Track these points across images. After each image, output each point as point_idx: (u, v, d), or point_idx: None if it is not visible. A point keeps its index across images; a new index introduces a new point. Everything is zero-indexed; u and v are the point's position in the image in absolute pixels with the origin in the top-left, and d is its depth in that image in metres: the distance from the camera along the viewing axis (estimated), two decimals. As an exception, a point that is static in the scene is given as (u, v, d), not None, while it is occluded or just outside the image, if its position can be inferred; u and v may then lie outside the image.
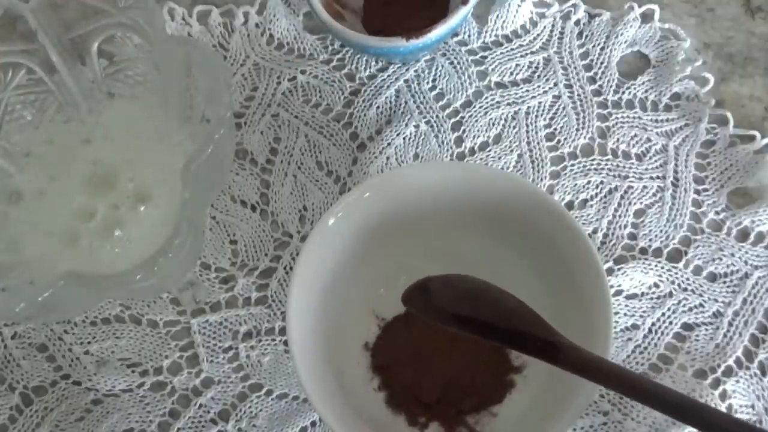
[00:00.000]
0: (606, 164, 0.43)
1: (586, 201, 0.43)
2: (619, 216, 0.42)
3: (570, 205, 0.42)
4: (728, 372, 0.39)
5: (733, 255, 0.41)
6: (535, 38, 0.46)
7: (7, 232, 0.32)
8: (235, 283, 0.42)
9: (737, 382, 0.39)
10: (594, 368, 0.28)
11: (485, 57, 0.46)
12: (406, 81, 0.45)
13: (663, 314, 0.40)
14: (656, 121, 0.43)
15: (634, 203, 0.42)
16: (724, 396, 0.38)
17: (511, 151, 0.44)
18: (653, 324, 0.40)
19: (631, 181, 0.42)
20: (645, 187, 0.42)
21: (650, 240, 0.41)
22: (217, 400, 0.40)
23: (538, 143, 0.43)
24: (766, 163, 0.41)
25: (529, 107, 0.44)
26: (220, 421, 0.40)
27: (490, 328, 0.30)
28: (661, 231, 0.42)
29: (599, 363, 0.28)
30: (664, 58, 0.45)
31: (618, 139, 0.43)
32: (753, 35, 0.45)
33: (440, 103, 0.45)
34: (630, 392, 0.28)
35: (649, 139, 0.43)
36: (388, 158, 0.43)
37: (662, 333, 0.40)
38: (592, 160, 0.43)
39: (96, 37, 0.34)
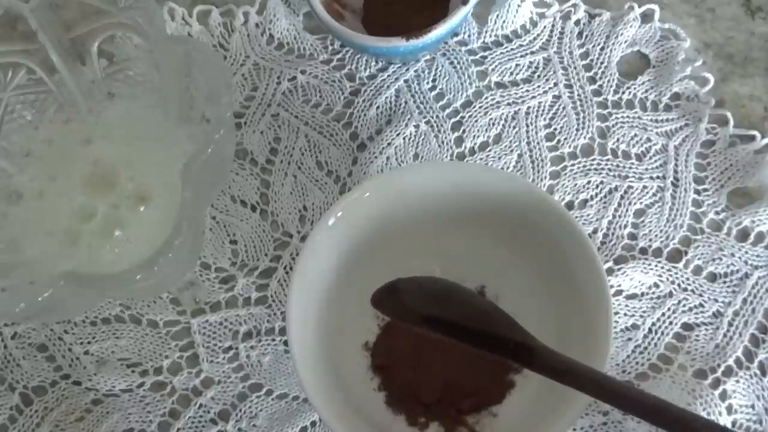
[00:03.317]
0: (606, 164, 0.43)
1: (586, 201, 0.43)
2: (619, 216, 0.42)
3: (570, 205, 0.42)
4: (728, 372, 0.39)
5: (733, 255, 0.41)
6: (535, 38, 0.46)
7: (7, 232, 0.32)
8: (235, 283, 0.42)
9: (737, 382, 0.39)
10: (569, 372, 0.27)
11: (485, 57, 0.46)
12: (406, 81, 0.45)
13: (663, 314, 0.40)
14: (656, 121, 0.43)
15: (634, 203, 0.42)
16: (724, 396, 0.38)
17: (511, 151, 0.44)
18: (653, 324, 0.40)
19: (631, 181, 0.42)
20: (645, 187, 0.42)
21: (650, 240, 0.41)
22: (217, 400, 0.40)
23: (538, 143, 0.43)
24: (766, 163, 0.41)
25: (529, 107, 0.44)
26: (220, 421, 0.40)
27: (462, 330, 0.29)
28: (661, 231, 0.42)
29: (575, 367, 0.27)
30: (664, 58, 0.45)
31: (618, 139, 0.43)
32: (753, 35, 0.45)
33: (440, 103, 0.45)
34: (607, 397, 0.27)
35: (649, 139, 0.43)
36: (388, 158, 0.43)
37: (662, 333, 0.40)
38: (592, 160, 0.43)
39: (96, 37, 0.34)
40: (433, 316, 0.29)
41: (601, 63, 0.45)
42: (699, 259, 0.41)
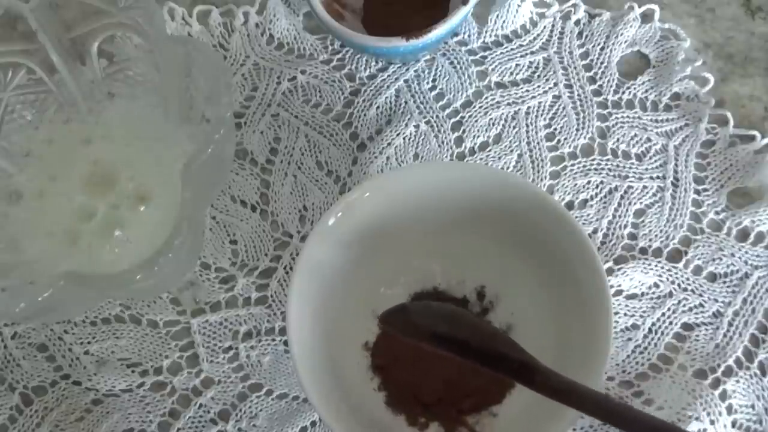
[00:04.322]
0: (606, 164, 0.43)
1: (586, 201, 0.43)
2: (619, 216, 0.42)
3: (570, 205, 0.42)
4: (728, 372, 0.39)
5: (733, 255, 0.41)
6: (535, 38, 0.46)
7: (7, 232, 0.32)
8: (235, 283, 0.42)
9: (737, 382, 0.39)
10: (571, 393, 0.28)
11: (485, 57, 0.46)
12: (406, 81, 0.45)
13: (663, 314, 0.40)
14: (656, 121, 0.43)
15: (634, 203, 0.42)
16: (724, 396, 0.38)
17: (511, 151, 0.44)
18: (653, 324, 0.40)
19: (631, 181, 0.42)
20: (645, 187, 0.42)
21: (650, 240, 0.41)
22: (217, 400, 0.40)
23: (538, 143, 0.43)
24: (766, 163, 0.41)
25: (529, 107, 0.44)
26: (220, 421, 0.40)
27: (468, 348, 0.30)
28: (661, 231, 0.42)
29: (575, 388, 0.28)
30: (664, 58, 0.45)
31: (618, 139, 0.43)
32: (753, 35, 0.45)
33: (440, 103, 0.45)
34: (607, 418, 0.28)
35: (649, 139, 0.43)
36: (388, 158, 0.43)
37: (662, 333, 0.40)
38: (592, 160, 0.43)
39: (96, 37, 0.34)
40: (441, 334, 0.30)
41: (601, 63, 0.45)
42: (699, 259, 0.41)
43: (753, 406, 0.38)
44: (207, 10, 0.47)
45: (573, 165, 0.43)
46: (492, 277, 0.39)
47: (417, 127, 0.44)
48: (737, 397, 0.38)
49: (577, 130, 0.44)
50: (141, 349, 0.41)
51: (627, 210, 0.42)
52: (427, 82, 0.45)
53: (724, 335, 0.40)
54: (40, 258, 0.32)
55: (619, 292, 0.41)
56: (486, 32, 0.46)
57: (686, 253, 0.41)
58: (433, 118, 0.44)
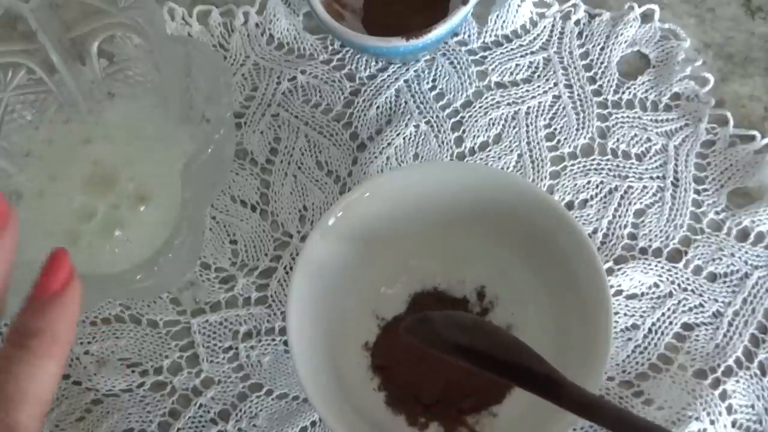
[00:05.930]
0: (606, 164, 0.43)
1: (586, 201, 0.43)
2: (619, 216, 0.42)
3: (570, 205, 0.42)
4: (728, 372, 0.39)
5: (733, 255, 0.41)
6: (535, 38, 0.46)
7: (7, 232, 0.32)
8: (235, 283, 0.42)
9: (737, 382, 0.39)
10: (596, 409, 0.28)
11: (485, 57, 0.46)
12: (406, 81, 0.45)
13: (663, 314, 0.40)
14: (656, 121, 0.43)
15: (634, 203, 0.42)
16: (724, 396, 0.38)
17: (511, 151, 0.44)
18: (653, 324, 0.40)
19: (631, 181, 0.42)
20: (645, 187, 0.42)
21: (650, 240, 0.41)
22: (217, 400, 0.40)
23: (538, 143, 0.43)
24: (766, 163, 0.41)
25: (529, 107, 0.44)
26: (220, 421, 0.40)
27: (492, 360, 0.30)
28: (661, 231, 0.42)
29: (601, 404, 0.28)
30: (664, 58, 0.45)
31: (618, 139, 0.43)
32: (753, 35, 0.45)
33: (440, 103, 0.45)
34: None
35: (649, 139, 0.43)
36: (388, 158, 0.43)
37: (662, 333, 0.40)
38: (592, 160, 0.43)
39: (96, 37, 0.34)
40: (463, 345, 0.30)
41: (601, 63, 0.45)
42: (699, 259, 0.41)
43: (753, 406, 0.38)
44: (207, 10, 0.47)
45: (573, 165, 0.43)
46: (492, 277, 0.39)
47: (417, 127, 0.44)
48: (737, 397, 0.38)
49: (577, 130, 0.44)
50: (141, 349, 0.41)
51: (627, 210, 0.42)
52: (427, 82, 0.45)
53: (724, 335, 0.40)
54: (40, 258, 0.32)
55: (619, 292, 0.41)
56: (486, 32, 0.46)
57: (686, 253, 0.41)
58: (433, 118, 0.44)
